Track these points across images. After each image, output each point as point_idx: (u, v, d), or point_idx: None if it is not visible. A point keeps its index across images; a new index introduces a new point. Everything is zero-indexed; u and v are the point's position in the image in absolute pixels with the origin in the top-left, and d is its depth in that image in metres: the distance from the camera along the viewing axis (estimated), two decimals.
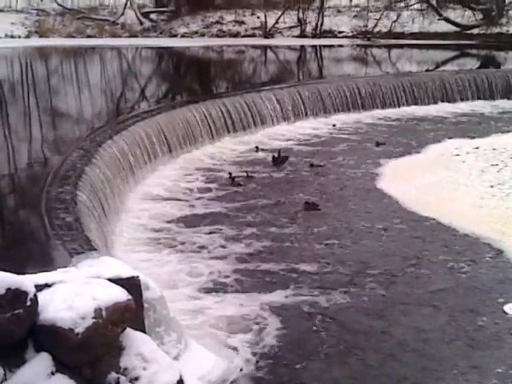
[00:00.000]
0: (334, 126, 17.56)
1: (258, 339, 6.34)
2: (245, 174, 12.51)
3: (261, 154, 14.37)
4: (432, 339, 6.39)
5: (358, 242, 9.17)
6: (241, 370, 5.72)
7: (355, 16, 43.23)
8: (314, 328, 6.62)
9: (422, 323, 6.74)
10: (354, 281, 7.80)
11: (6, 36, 40.63)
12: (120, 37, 42.17)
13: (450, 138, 15.84)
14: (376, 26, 40.19)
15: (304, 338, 6.43)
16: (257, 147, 14.76)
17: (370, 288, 7.59)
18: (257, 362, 5.93)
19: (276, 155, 13.57)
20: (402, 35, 39.26)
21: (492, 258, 8.50)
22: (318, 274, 7.99)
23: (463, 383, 5.64)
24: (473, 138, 15.72)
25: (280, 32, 42.89)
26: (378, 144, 15.26)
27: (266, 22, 42.54)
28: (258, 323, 6.68)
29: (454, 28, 39.68)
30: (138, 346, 4.93)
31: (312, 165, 13.35)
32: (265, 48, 35.14)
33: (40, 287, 4.77)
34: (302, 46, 35.93)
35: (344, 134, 16.84)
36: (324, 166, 13.34)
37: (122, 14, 45.45)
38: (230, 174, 12.42)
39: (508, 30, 38.35)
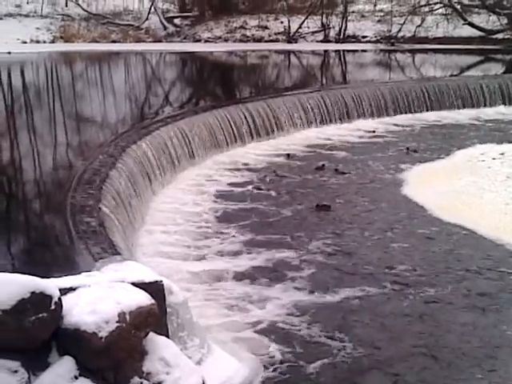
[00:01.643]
0: (359, 131, 17.53)
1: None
2: (267, 179, 12.54)
3: (287, 160, 14.36)
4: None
5: (379, 247, 9.14)
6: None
7: (379, 21, 43.08)
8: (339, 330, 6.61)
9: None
10: (370, 282, 7.78)
11: (32, 41, 40.99)
12: (144, 42, 42.41)
13: (475, 143, 15.72)
14: (400, 30, 40.00)
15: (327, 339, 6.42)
16: (288, 154, 14.67)
17: (393, 289, 7.56)
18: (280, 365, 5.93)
19: (321, 165, 13.62)
20: (426, 40, 39.05)
21: None
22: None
23: None
24: (498, 143, 15.58)
25: (303, 37, 42.88)
26: (408, 150, 15.15)
27: (289, 26, 42.54)
28: None
29: (478, 33, 39.38)
30: (161, 350, 4.94)
31: (337, 170, 13.31)
32: (288, 53, 35.15)
33: (64, 291, 4.80)
34: (326, 51, 35.88)
35: (368, 139, 16.79)
36: (349, 172, 13.27)
37: (147, 19, 45.71)
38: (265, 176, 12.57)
39: None
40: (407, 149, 15.25)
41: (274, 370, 5.86)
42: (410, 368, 5.96)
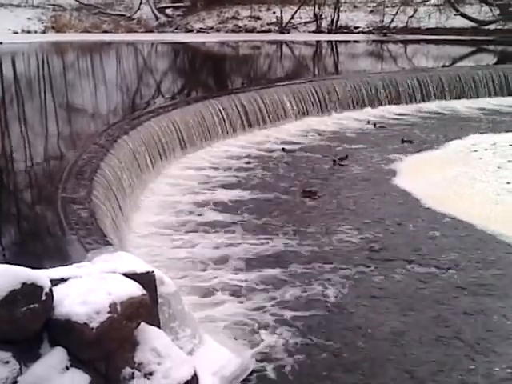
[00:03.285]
0: (352, 121, 17.54)
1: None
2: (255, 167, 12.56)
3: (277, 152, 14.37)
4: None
5: (368, 235, 9.16)
6: None
7: (371, 11, 43.05)
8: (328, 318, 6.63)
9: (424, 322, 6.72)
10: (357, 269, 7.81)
11: (23, 31, 40.81)
12: (136, 32, 42.26)
13: (467, 134, 15.72)
14: (392, 21, 40.01)
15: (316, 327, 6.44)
16: (283, 148, 14.55)
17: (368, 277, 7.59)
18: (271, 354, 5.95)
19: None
20: (418, 30, 39.09)
21: (507, 255, 8.44)
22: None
23: None
24: (490, 134, 15.62)
25: (296, 27, 42.83)
26: (403, 141, 15.17)
27: (281, 17, 42.48)
28: None
29: (470, 23, 39.42)
30: (152, 341, 4.94)
31: (334, 161, 13.30)
32: (280, 43, 35.08)
33: (55, 282, 4.79)
34: (318, 42, 35.83)
35: (361, 129, 16.81)
36: (346, 163, 13.26)
37: (138, 9, 45.56)
38: None
39: None
40: (402, 140, 15.23)
41: (266, 360, 5.88)
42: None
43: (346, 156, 13.60)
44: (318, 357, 6.00)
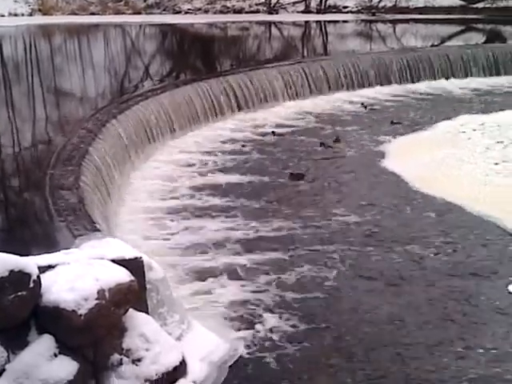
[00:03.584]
0: (342, 102, 17.51)
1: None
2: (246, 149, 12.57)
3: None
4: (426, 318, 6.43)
5: (358, 218, 9.19)
6: None
7: None
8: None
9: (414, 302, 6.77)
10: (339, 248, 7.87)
11: (10, 14, 40.37)
12: (123, 14, 41.91)
13: (456, 114, 15.68)
14: (381, 0, 39.84)
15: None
16: (273, 132, 14.45)
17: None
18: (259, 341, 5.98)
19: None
20: (407, 10, 38.91)
21: (495, 236, 8.49)
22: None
23: None
24: (479, 114, 15.61)
25: (284, 8, 42.54)
26: (392, 123, 15.16)
27: None
28: None
29: (459, 2, 39.29)
30: (140, 327, 4.96)
31: (323, 144, 13.29)
32: (269, 24, 34.89)
33: (43, 269, 4.80)
34: (307, 22, 35.65)
35: (351, 111, 16.79)
36: (337, 145, 13.25)
37: None
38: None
39: None
40: (392, 121, 15.21)
41: (254, 345, 5.91)
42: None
43: (338, 138, 13.54)
44: (308, 340, 6.02)
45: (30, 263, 4.65)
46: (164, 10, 43.78)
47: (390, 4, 39.73)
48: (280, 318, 6.42)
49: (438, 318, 6.44)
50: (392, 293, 7.00)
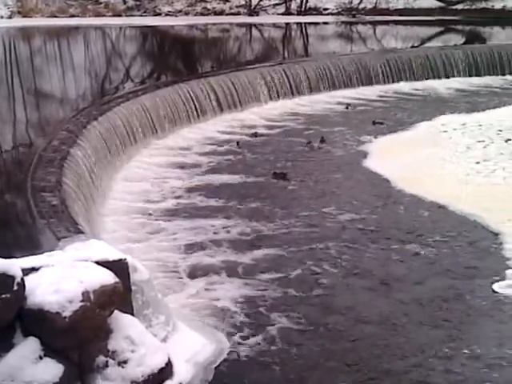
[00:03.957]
0: (323, 103, 17.53)
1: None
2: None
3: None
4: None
5: (338, 216, 9.22)
6: None
7: None
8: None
9: (400, 297, 6.79)
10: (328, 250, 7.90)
11: None
12: (104, 16, 41.74)
13: (436, 114, 15.79)
14: (361, 2, 39.98)
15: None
16: (255, 133, 14.33)
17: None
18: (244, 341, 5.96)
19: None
20: (387, 11, 39.09)
21: (477, 235, 8.54)
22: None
23: None
24: (459, 114, 15.72)
25: (265, 10, 42.56)
26: (374, 123, 15.19)
27: None
28: None
29: (438, 3, 39.53)
30: (126, 328, 4.93)
31: (309, 142, 13.28)
32: (249, 26, 34.91)
33: (27, 271, 4.76)
34: (287, 24, 35.69)
35: (332, 111, 16.83)
36: (322, 146, 13.28)
37: None
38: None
39: (493, 6, 38.24)
40: (373, 122, 15.24)
41: (240, 346, 5.89)
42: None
43: (323, 139, 13.56)
44: (296, 340, 6.01)
45: (14, 266, 4.61)
46: (144, 12, 43.65)
47: (370, 6, 39.89)
48: (267, 318, 6.41)
49: (424, 317, 6.45)
50: (379, 293, 7.01)
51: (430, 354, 5.75)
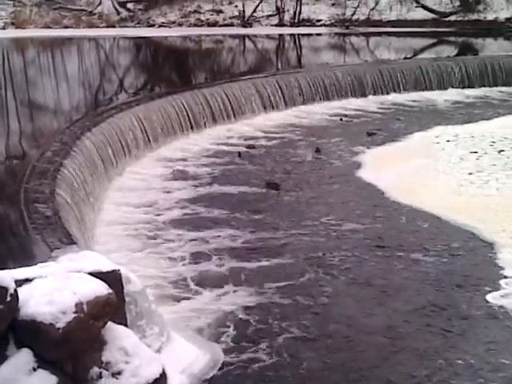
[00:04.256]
0: (316, 114, 17.56)
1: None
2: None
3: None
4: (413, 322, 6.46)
5: (331, 227, 9.23)
6: None
7: (333, 4, 43.11)
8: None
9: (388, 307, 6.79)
10: (324, 260, 7.87)
11: None
12: (97, 27, 41.84)
13: (430, 126, 15.87)
14: (354, 13, 40.21)
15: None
16: (249, 145, 14.29)
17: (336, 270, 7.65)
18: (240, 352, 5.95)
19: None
20: (379, 23, 39.34)
21: (470, 245, 8.55)
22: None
23: None
24: (452, 125, 15.78)
25: (258, 21, 42.77)
26: (368, 134, 15.22)
27: (243, 10, 42.39)
28: None
29: (431, 15, 39.78)
30: (120, 340, 4.91)
31: (304, 154, 13.30)
32: (243, 37, 35.04)
33: (20, 282, 4.74)
34: (281, 35, 35.86)
35: (325, 122, 16.85)
36: (319, 156, 13.31)
37: (99, 3, 45.07)
38: None
39: (485, 17, 38.52)
40: (367, 132, 15.27)
41: (235, 357, 5.87)
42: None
43: (318, 149, 13.60)
44: (291, 350, 6.01)
45: (7, 277, 4.59)
46: (138, 23, 43.83)
47: (363, 17, 40.12)
48: (263, 328, 6.40)
49: (423, 326, 6.47)
50: (375, 302, 7.01)
51: (428, 364, 5.76)
